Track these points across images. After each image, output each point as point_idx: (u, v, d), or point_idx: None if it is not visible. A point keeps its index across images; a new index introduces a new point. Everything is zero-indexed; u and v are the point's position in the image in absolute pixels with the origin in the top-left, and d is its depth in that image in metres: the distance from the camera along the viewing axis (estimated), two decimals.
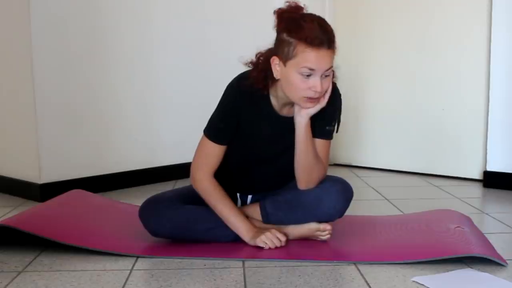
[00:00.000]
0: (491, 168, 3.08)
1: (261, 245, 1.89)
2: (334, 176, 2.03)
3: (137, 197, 2.71)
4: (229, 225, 1.92)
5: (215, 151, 1.92)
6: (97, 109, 2.93)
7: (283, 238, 1.91)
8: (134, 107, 3.09)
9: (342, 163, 3.83)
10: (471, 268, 1.74)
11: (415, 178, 3.38)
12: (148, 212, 1.94)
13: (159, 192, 2.06)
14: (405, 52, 3.49)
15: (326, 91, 1.83)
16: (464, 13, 3.24)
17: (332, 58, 1.78)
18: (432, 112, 3.40)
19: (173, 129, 3.24)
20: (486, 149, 3.11)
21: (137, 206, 2.14)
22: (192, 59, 3.22)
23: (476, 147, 3.21)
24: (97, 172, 2.94)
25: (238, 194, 2.07)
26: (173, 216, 1.91)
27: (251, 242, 1.90)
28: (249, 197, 2.07)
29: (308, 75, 1.76)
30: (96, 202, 2.44)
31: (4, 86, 2.91)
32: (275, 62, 1.81)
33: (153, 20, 3.12)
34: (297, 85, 1.78)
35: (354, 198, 1.99)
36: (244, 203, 2.08)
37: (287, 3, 1.81)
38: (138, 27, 3.07)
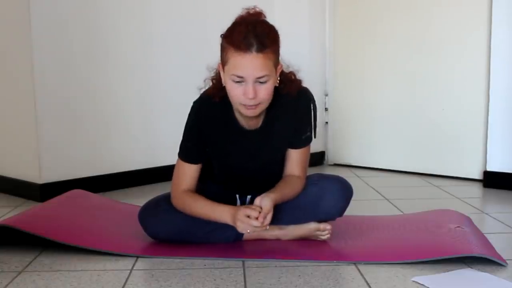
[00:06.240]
0: (491, 168, 3.08)
1: (245, 232, 1.81)
2: (333, 175, 2.03)
3: (137, 197, 2.71)
4: (217, 220, 1.85)
5: (188, 171, 1.90)
6: (97, 109, 2.93)
7: (254, 214, 1.73)
8: (134, 107, 3.09)
9: (342, 163, 3.83)
10: (471, 268, 1.74)
11: (415, 178, 3.38)
12: (147, 216, 1.94)
13: (159, 193, 2.06)
14: (405, 52, 3.48)
15: (264, 100, 1.73)
16: (464, 13, 3.24)
17: (264, 64, 1.68)
18: (432, 112, 3.40)
19: (173, 129, 3.20)
20: (486, 149, 3.10)
21: (137, 206, 2.14)
22: (193, 59, 3.22)
23: (476, 147, 3.21)
24: (97, 172, 2.94)
25: (237, 195, 2.07)
26: (173, 220, 1.91)
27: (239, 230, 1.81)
28: (248, 197, 2.07)
29: (239, 82, 1.71)
30: (96, 202, 2.44)
31: (4, 86, 2.90)
32: (220, 68, 1.80)
33: (153, 20, 3.12)
34: (232, 92, 1.73)
35: (354, 198, 2.00)
36: (243, 203, 2.07)
37: (247, 10, 1.77)
38: (138, 27, 3.06)
